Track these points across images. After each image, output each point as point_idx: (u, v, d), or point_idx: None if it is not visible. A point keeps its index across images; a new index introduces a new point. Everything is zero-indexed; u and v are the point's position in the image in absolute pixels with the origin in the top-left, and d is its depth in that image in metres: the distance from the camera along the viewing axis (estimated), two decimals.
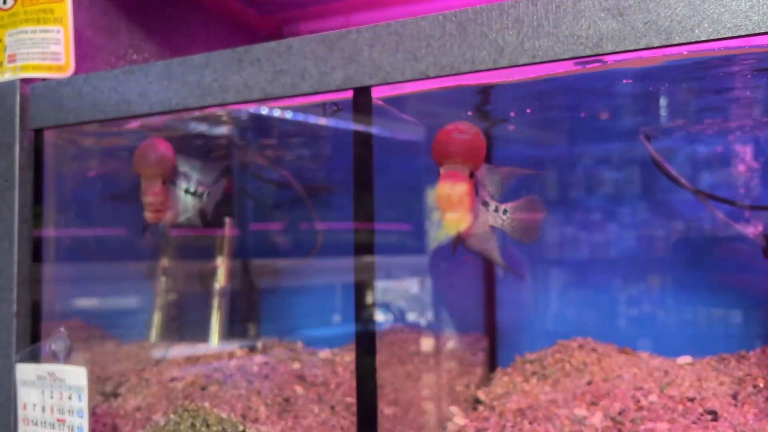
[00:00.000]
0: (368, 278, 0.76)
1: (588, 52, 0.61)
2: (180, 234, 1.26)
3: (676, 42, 0.57)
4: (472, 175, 0.76)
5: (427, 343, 1.17)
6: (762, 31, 0.55)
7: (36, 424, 0.86)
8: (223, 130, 1.19)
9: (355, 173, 0.76)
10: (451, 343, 1.17)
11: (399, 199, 1.22)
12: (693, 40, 0.56)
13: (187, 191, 1.04)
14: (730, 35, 0.55)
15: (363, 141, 0.76)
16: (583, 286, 1.25)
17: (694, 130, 1.06)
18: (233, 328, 1.30)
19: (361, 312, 0.75)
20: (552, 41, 0.62)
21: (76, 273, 1.17)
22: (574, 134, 1.20)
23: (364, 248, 0.77)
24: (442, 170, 0.74)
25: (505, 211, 0.83)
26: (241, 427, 0.84)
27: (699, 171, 1.10)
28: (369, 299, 0.77)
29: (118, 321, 1.28)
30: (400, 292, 1.51)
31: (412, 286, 1.49)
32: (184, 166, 1.04)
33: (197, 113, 0.98)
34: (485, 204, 0.82)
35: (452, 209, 0.74)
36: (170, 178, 1.02)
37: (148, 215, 1.01)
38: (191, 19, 1.29)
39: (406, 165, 1.16)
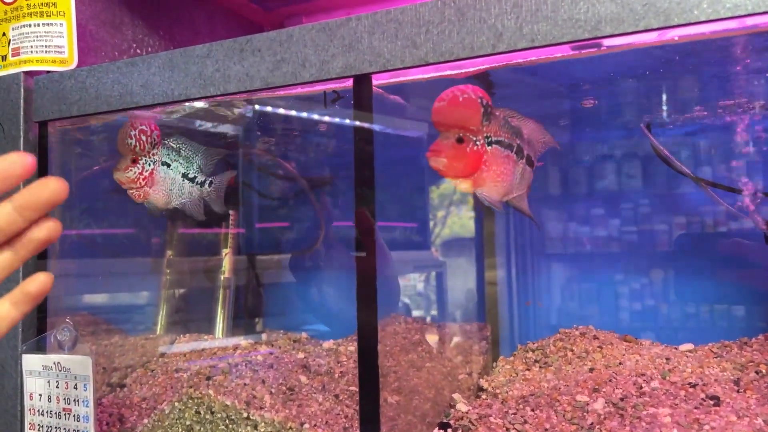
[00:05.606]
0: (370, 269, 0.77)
1: (587, 35, 0.61)
2: (184, 227, 1.27)
3: (675, 23, 0.57)
4: (461, 141, 0.77)
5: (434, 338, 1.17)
6: (762, 11, 0.55)
7: (42, 413, 0.87)
8: (228, 122, 1.20)
9: (357, 164, 0.77)
10: (454, 334, 1.18)
11: None
12: (692, 21, 0.56)
13: (185, 176, 1.03)
14: (730, 15, 0.55)
15: (364, 130, 0.77)
16: (586, 277, 1.26)
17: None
18: (238, 322, 1.31)
19: (363, 303, 0.76)
20: (550, 25, 0.63)
21: (82, 268, 1.18)
22: (578, 124, 1.20)
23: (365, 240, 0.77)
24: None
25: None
26: (245, 414, 0.84)
27: None
28: (371, 291, 0.77)
29: (124, 315, 1.29)
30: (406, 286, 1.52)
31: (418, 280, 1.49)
32: (185, 150, 1.04)
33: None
34: (530, 163, 0.84)
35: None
36: (146, 156, 1.01)
37: (134, 194, 1.01)
38: (195, 14, 1.29)
39: None
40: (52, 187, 0.52)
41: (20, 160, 0.51)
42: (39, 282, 0.56)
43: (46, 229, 0.54)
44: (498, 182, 0.81)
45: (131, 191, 1.01)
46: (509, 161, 0.81)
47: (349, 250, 1.31)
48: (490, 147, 0.79)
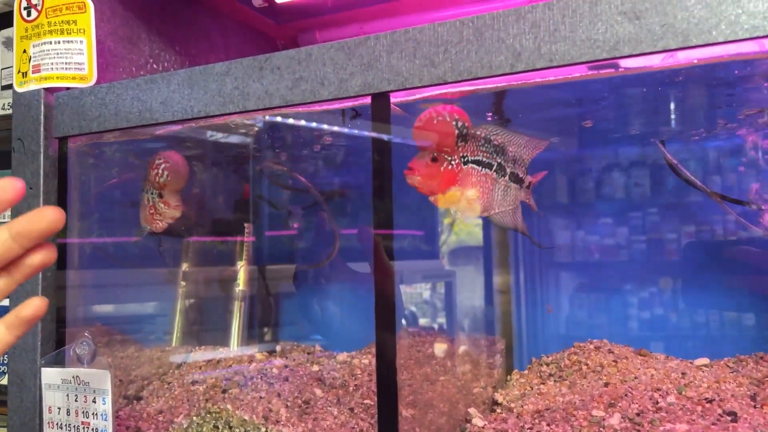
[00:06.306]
0: (388, 282, 0.77)
1: (605, 56, 0.61)
2: (198, 240, 1.28)
3: (693, 44, 0.58)
4: (435, 160, 0.80)
5: (442, 347, 1.18)
6: None
7: (61, 427, 0.88)
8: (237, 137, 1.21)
9: (374, 178, 0.78)
10: (467, 347, 1.18)
11: None
12: (710, 42, 0.57)
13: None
14: (748, 36, 0.56)
15: (381, 146, 0.77)
16: (598, 289, 1.26)
17: None
18: (252, 333, 1.31)
19: (381, 315, 0.76)
20: (569, 45, 0.63)
21: (98, 279, 1.19)
22: (581, 135, 1.21)
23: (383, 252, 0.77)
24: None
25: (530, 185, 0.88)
26: (263, 429, 0.85)
27: None
28: (388, 303, 0.77)
29: (140, 326, 1.29)
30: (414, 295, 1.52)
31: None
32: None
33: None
34: (518, 180, 0.85)
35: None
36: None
37: (160, 225, 1.06)
38: (210, 29, 1.31)
39: None
40: (49, 218, 0.54)
41: (11, 185, 0.53)
42: (33, 306, 0.57)
43: (41, 255, 0.56)
44: (473, 200, 0.83)
45: (157, 222, 1.06)
46: (486, 180, 0.83)
47: (353, 264, 1.32)
48: (466, 166, 0.81)
